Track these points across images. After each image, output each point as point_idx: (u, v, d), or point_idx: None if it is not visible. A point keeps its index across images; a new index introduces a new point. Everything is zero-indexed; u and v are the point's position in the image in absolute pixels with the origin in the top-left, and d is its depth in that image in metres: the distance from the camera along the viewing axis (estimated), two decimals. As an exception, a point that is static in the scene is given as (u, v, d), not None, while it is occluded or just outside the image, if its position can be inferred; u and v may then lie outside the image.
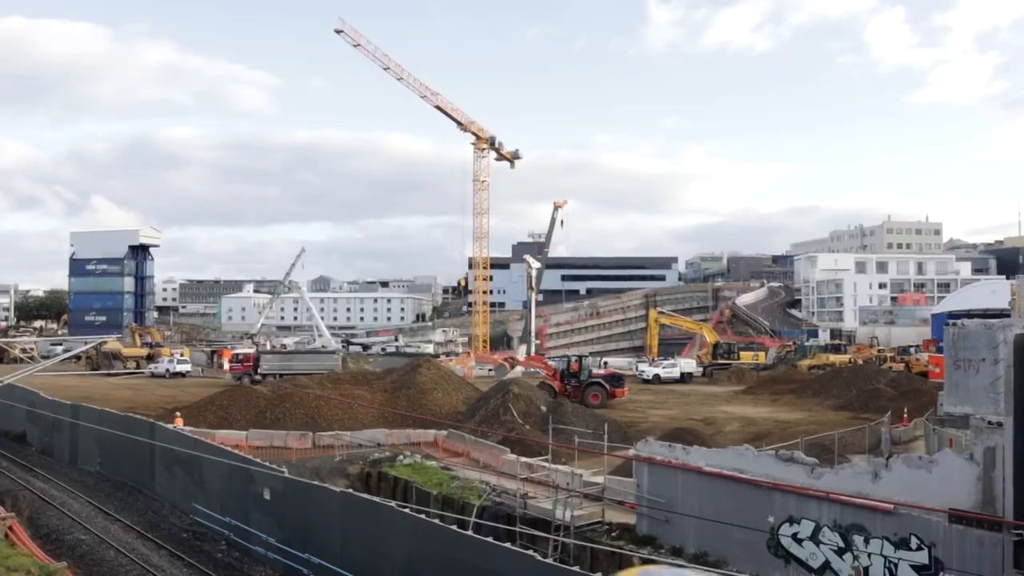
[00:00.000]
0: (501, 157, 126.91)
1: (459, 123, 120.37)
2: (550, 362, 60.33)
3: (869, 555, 16.86)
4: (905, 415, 38.12)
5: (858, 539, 17.03)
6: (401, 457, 30.00)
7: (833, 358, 69.47)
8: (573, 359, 51.91)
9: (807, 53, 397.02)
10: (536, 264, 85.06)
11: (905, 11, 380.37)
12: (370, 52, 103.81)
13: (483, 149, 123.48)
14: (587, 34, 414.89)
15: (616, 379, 50.67)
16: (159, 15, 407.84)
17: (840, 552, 17.33)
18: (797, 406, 49.09)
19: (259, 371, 58.03)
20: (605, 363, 52.73)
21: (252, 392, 40.37)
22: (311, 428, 36.68)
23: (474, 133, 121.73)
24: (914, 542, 16.23)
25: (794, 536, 18.23)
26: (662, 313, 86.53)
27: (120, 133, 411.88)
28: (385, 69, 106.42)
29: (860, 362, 65.30)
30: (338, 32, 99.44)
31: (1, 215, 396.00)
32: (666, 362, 68.00)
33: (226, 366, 64.13)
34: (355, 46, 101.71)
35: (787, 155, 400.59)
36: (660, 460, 20.86)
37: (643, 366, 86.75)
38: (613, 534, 21.55)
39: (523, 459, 24.78)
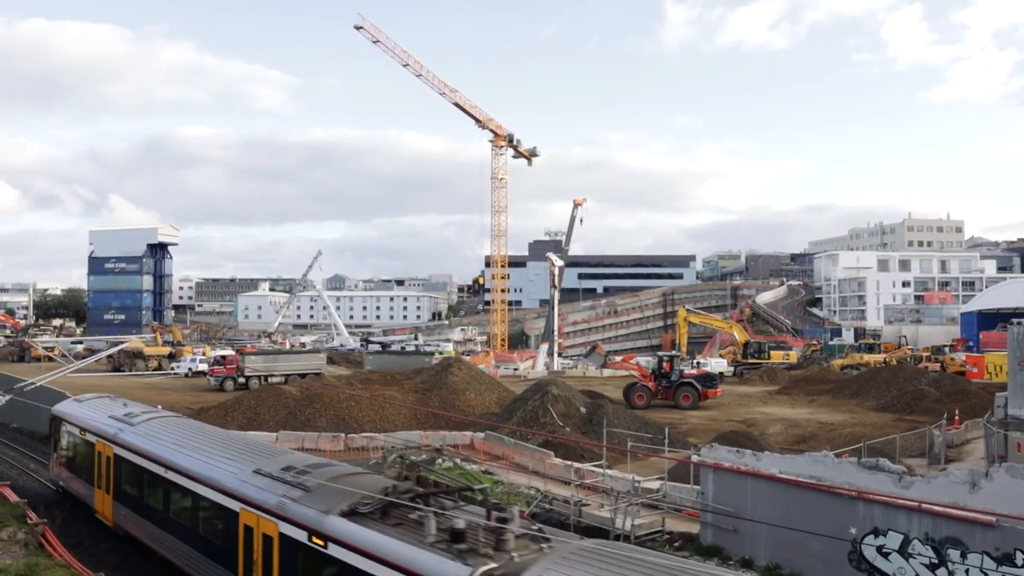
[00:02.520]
0: (518, 155, 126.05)
1: (477, 120, 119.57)
2: (641, 363, 57.82)
3: (967, 570, 15.65)
4: (956, 417, 36.74)
5: (954, 553, 15.81)
6: (440, 460, 28.90)
7: (867, 358, 67.84)
8: (664, 359, 49.67)
9: (823, 51, 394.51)
10: (559, 262, 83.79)
11: (923, 8, 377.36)
12: (389, 48, 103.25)
13: (501, 147, 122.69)
14: (602, 33, 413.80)
15: (708, 379, 47.79)
16: (178, 16, 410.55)
17: (933, 567, 16.11)
18: (836, 407, 47.71)
19: (243, 374, 54.09)
20: (698, 363, 49.91)
21: (281, 392, 39.40)
22: (342, 429, 35.70)
23: (492, 130, 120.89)
24: (1020, 557, 15.00)
25: (880, 549, 17.01)
26: (691, 311, 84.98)
27: (137, 132, 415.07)
28: (404, 66, 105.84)
29: (894, 362, 63.70)
30: (357, 28, 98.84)
31: (20, 214, 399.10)
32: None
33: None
34: (374, 42, 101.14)
35: (802, 153, 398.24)
36: (729, 466, 19.67)
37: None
38: (676, 544, 20.40)
39: (577, 465, 23.53)
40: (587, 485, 23.13)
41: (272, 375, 54.75)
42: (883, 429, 37.66)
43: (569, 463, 25.48)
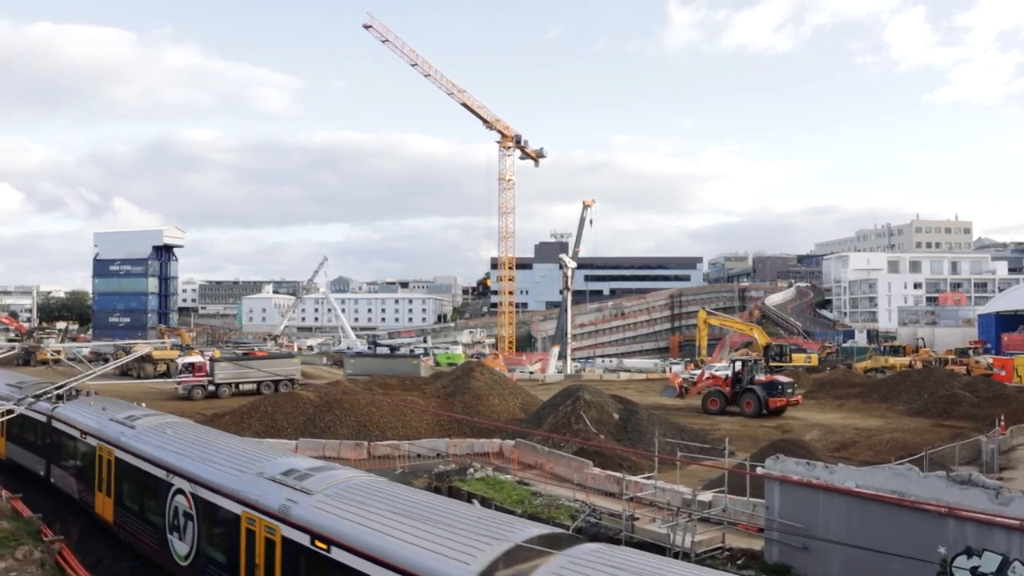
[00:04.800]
0: (526, 156, 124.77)
1: (485, 121, 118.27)
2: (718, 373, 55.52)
3: (1078, 596, 14.30)
4: (1001, 423, 35.31)
5: (1062, 577, 14.45)
6: (471, 470, 27.52)
7: (892, 360, 66.41)
8: (739, 363, 47.79)
9: (827, 53, 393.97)
10: (572, 263, 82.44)
11: (926, 10, 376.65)
12: (397, 48, 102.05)
13: (508, 147, 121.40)
14: (606, 35, 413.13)
15: (773, 387, 44.45)
16: (184, 19, 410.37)
17: (1037, 591, 14.75)
18: (867, 412, 46.35)
19: (214, 382, 51.41)
20: (770, 369, 46.87)
21: (299, 398, 38.02)
22: (363, 436, 34.39)
23: (500, 131, 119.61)
24: None
25: (974, 571, 15.61)
26: (711, 314, 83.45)
27: (142, 135, 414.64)
28: (413, 65, 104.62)
29: (919, 365, 62.30)
30: (366, 27, 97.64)
31: (25, 217, 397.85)
32: (719, 364, 65.01)
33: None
34: (383, 42, 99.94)
35: (805, 154, 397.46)
36: (798, 479, 18.31)
37: (678, 368, 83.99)
38: (738, 562, 19.04)
39: (629, 477, 22.14)
40: (638, 498, 21.67)
41: (243, 382, 52.26)
42: (923, 435, 36.33)
43: (613, 474, 24.11)
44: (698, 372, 63.47)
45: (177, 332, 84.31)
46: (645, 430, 31.25)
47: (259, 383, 52.33)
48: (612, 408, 33.18)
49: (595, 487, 24.74)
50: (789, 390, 44.39)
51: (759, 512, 21.43)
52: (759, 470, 19.33)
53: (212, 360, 53.79)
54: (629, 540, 20.03)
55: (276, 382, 52.46)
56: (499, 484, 26.10)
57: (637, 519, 21.09)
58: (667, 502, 20.19)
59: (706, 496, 21.99)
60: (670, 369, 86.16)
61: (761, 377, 44.81)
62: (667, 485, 22.47)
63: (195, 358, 54.94)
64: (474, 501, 21.69)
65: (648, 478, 22.80)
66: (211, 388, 51.24)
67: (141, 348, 57.83)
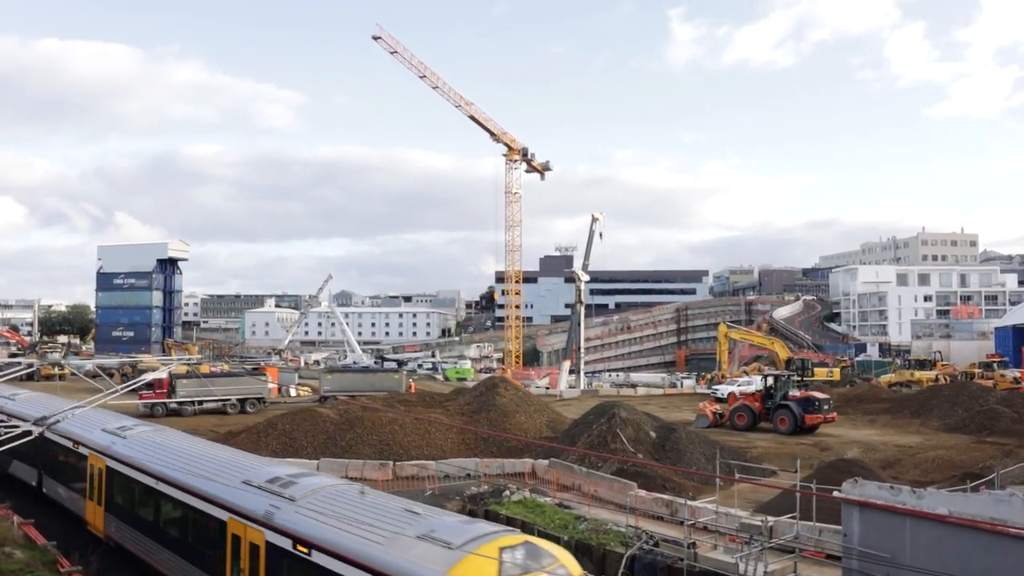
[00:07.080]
0: (532, 169, 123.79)
1: (492, 133, 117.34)
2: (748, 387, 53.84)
3: None
4: (1051, 439, 33.95)
5: None
6: (507, 492, 26.07)
7: (919, 375, 65.00)
8: (770, 378, 46.19)
9: (827, 68, 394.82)
10: (585, 277, 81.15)
11: (925, 26, 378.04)
12: (406, 60, 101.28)
13: (515, 160, 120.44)
14: (609, 51, 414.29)
15: (809, 403, 42.41)
16: (190, 36, 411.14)
17: None
18: (901, 427, 44.92)
19: (175, 399, 49.48)
20: (806, 385, 45.31)
21: (318, 416, 36.59)
22: (386, 455, 32.94)
23: (506, 144, 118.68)
24: None
25: (1090, 608, 14.26)
26: (732, 327, 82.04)
27: (146, 150, 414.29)
28: (421, 77, 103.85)
29: (946, 379, 60.88)
30: (375, 39, 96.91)
31: (28, 231, 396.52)
32: (742, 379, 63.53)
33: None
34: (392, 53, 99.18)
35: (806, 169, 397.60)
36: (882, 504, 16.91)
37: (690, 383, 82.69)
38: (814, 595, 17.62)
39: (691, 503, 20.72)
40: (700, 525, 20.24)
41: (207, 400, 50.55)
42: (968, 452, 34.88)
43: (664, 496, 22.68)
44: (716, 389, 62.14)
45: (184, 347, 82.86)
46: (685, 448, 29.88)
47: (224, 401, 50.77)
48: (648, 426, 31.74)
49: (642, 510, 23.29)
50: (825, 407, 42.61)
51: (826, 538, 20.09)
52: (835, 493, 17.93)
53: (173, 376, 51.57)
54: (691, 569, 18.66)
55: (242, 400, 51.05)
56: (539, 507, 24.65)
57: (697, 546, 19.69)
58: (736, 528, 18.75)
59: (758, 519, 20.59)
60: (681, 384, 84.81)
61: (796, 393, 43.11)
62: (724, 509, 21.05)
63: (159, 374, 52.38)
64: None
65: (710, 502, 21.36)
66: (173, 406, 49.22)
67: (149, 362, 56.32)
